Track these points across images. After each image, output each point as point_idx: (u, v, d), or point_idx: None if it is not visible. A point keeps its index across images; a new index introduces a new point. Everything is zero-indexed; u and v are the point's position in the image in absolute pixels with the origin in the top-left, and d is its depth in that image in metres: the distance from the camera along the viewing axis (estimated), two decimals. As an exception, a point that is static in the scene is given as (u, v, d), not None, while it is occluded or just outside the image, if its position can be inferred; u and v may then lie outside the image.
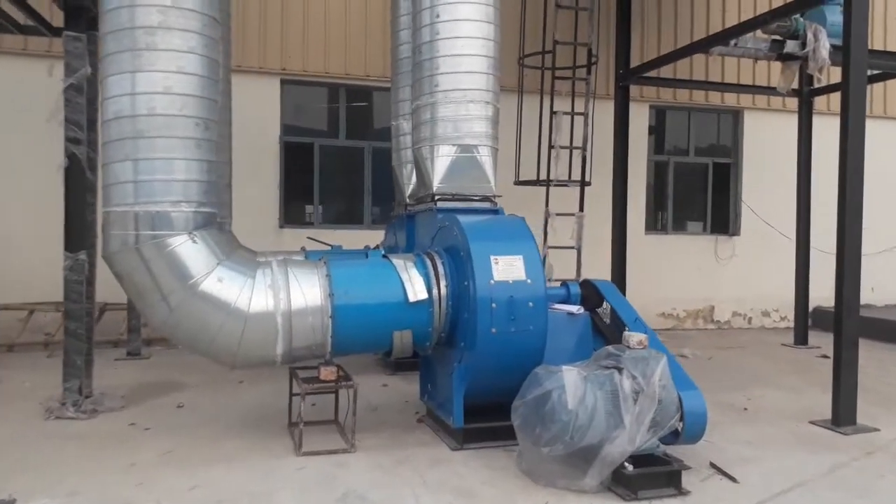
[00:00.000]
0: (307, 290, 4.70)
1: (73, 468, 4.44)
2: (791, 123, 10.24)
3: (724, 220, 11.97)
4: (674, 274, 11.39)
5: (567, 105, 9.44)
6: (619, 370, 4.38)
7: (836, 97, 8.77)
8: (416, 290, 4.87)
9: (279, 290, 4.64)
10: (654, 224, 11.76)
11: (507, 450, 4.87)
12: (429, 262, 5.08)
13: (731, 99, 11.55)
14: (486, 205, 5.70)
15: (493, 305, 4.70)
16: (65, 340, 5.74)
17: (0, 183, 8.81)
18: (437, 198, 5.58)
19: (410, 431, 5.38)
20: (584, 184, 9.46)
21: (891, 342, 10.04)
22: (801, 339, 10.06)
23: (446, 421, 5.11)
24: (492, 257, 4.80)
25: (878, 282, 11.74)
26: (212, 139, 4.69)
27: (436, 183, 5.62)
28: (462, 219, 5.10)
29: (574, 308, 5.46)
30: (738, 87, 10.90)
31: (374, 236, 9.02)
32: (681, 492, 4.27)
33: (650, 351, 4.49)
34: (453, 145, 5.62)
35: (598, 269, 9.50)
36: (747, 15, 10.26)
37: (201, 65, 4.53)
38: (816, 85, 9.54)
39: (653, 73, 9.99)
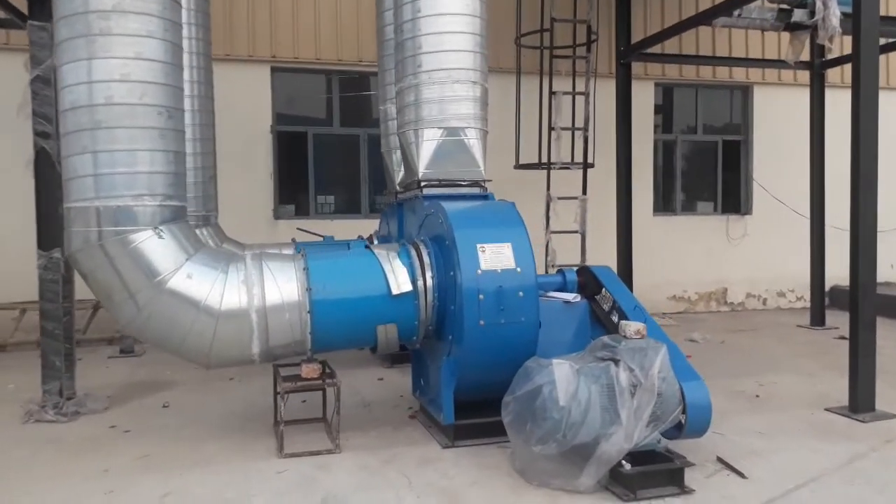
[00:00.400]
0: (283, 285, 4.45)
1: (41, 475, 4.24)
2: (803, 98, 9.83)
3: (735, 200, 11.58)
4: (684, 256, 11.04)
5: (567, 85, 9.11)
6: (616, 362, 4.09)
7: (849, 69, 8.40)
8: (400, 281, 4.60)
9: (253, 286, 4.39)
10: (663, 205, 11.39)
11: (500, 447, 4.61)
12: (413, 252, 4.81)
13: (739, 74, 11.13)
14: (476, 190, 5.40)
15: (481, 296, 4.43)
16: (41, 341, 5.55)
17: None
18: (423, 184, 5.30)
19: (401, 429, 5.14)
20: (586, 166, 9.14)
21: (912, 321, 9.66)
22: (817, 319, 9.69)
23: (437, 417, 4.86)
24: (478, 245, 4.52)
25: (898, 258, 11.33)
26: (177, 129, 4.43)
27: (421, 168, 5.33)
28: (447, 205, 4.81)
29: (570, 296, 5.17)
30: (747, 62, 10.50)
31: (373, 226, 8.75)
32: (684, 490, 3.98)
33: (649, 341, 4.20)
34: (439, 128, 5.32)
35: (605, 253, 9.22)
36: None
37: (162, 50, 4.26)
38: (828, 56, 9.11)
39: (657, 50, 9.62)
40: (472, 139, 5.40)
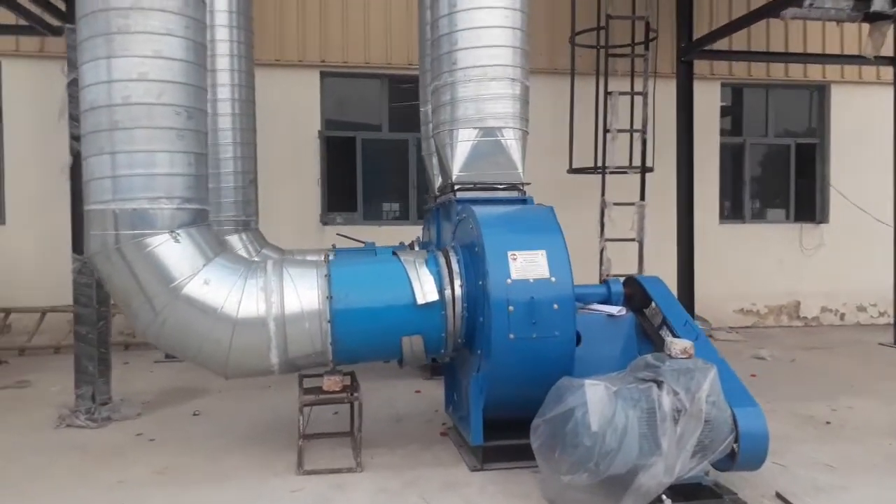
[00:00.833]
0: (303, 293, 4.23)
1: (54, 485, 4.15)
2: (886, 96, 9.04)
3: (809, 207, 10.79)
4: (753, 266, 10.35)
5: (625, 86, 8.66)
6: (659, 384, 3.68)
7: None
8: (426, 290, 4.31)
9: (272, 293, 4.19)
10: (731, 213, 10.72)
11: (534, 472, 4.23)
12: (442, 260, 4.51)
13: (815, 72, 10.37)
14: (513, 194, 5.07)
15: (511, 308, 4.09)
16: (75, 346, 5.53)
17: (15, 185, 8.84)
18: (456, 187, 5.01)
19: (430, 447, 4.84)
20: (644, 170, 8.66)
21: None
22: (902, 337, 8.88)
23: (466, 437, 4.54)
24: (509, 253, 4.19)
25: None
26: (198, 129, 4.29)
27: (455, 171, 5.05)
28: (478, 209, 4.50)
29: (615, 309, 4.76)
30: (823, 58, 9.74)
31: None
32: (732, 531, 3.54)
33: (697, 361, 3.76)
34: (474, 128, 5.02)
35: (665, 263, 8.71)
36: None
37: (182, 48, 4.13)
38: (915, 49, 8.35)
39: (722, 46, 9.06)
40: (510, 139, 5.07)
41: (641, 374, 3.81)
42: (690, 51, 8.35)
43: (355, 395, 4.45)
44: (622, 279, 5.17)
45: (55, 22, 6.93)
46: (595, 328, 4.69)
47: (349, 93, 10.01)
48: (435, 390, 6.42)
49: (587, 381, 3.62)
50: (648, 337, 4.80)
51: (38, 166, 8.61)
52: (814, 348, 8.71)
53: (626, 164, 8.70)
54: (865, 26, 7.61)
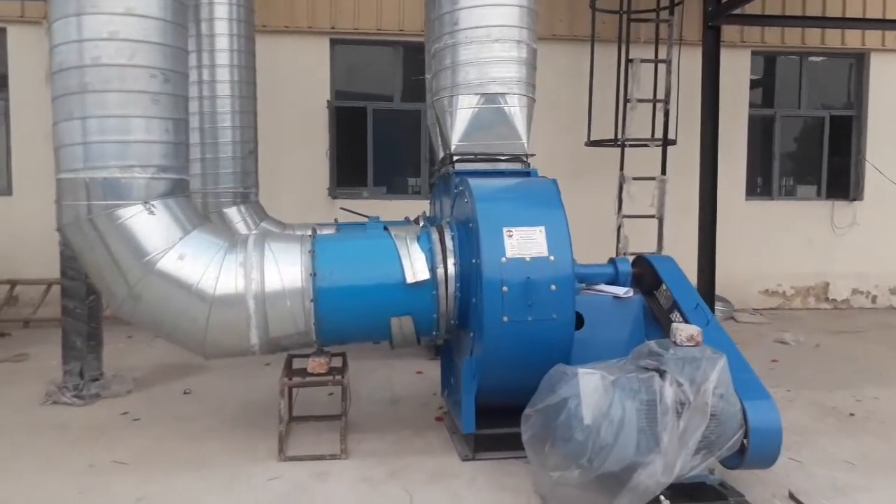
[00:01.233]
0: (285, 270, 3.98)
1: (25, 467, 4.00)
2: (930, 64, 8.46)
3: (843, 183, 10.21)
4: (781, 245, 9.85)
5: (647, 53, 8.21)
6: (661, 374, 3.37)
7: None
8: (416, 269, 4.03)
9: (252, 269, 3.95)
10: (759, 189, 10.22)
11: (527, 463, 3.95)
12: (436, 236, 4.22)
13: (853, 39, 9.73)
14: (516, 166, 4.74)
15: (505, 289, 3.79)
16: (63, 320, 5.37)
17: (21, 155, 8.70)
18: (455, 159, 4.69)
19: (423, 433, 4.60)
20: (666, 143, 8.24)
21: None
22: (937, 323, 8.40)
23: (459, 424, 4.28)
24: (505, 229, 3.88)
25: None
26: (176, 94, 4.03)
27: (454, 140, 4.73)
28: (474, 182, 4.19)
29: (622, 290, 4.43)
30: (863, 23, 9.10)
31: (430, 206, 8.25)
32: (738, 535, 3.24)
33: (704, 349, 3.44)
34: (476, 94, 4.68)
35: (687, 241, 8.32)
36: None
37: (157, 6, 3.84)
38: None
39: (754, 11, 8.52)
40: (514, 107, 4.72)
41: (644, 362, 3.50)
42: (718, 14, 7.83)
43: (340, 377, 4.21)
44: (631, 258, 4.85)
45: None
46: (600, 311, 4.39)
47: (360, 61, 9.68)
48: (437, 371, 6.07)
49: (581, 370, 3.32)
50: (658, 321, 4.49)
51: (45, 136, 8.42)
52: (841, 332, 8.27)
53: (648, 136, 8.28)
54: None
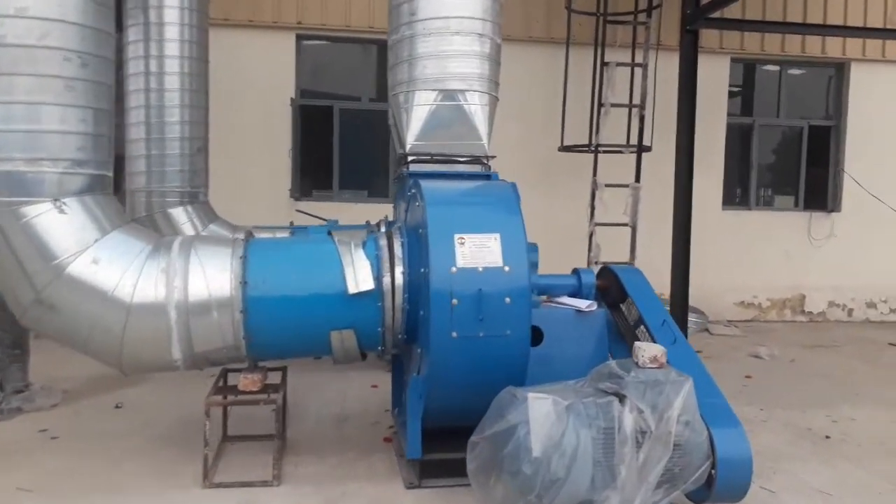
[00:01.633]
0: (212, 277, 3.60)
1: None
2: (910, 75, 8.27)
3: (820, 194, 10.00)
4: (757, 256, 9.61)
5: (625, 57, 7.94)
6: (621, 399, 3.05)
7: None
8: (359, 278, 3.68)
9: (175, 276, 3.57)
10: (735, 198, 9.99)
11: (478, 492, 3.63)
12: (384, 242, 3.87)
13: (834, 48, 9.54)
14: (476, 168, 4.40)
15: (454, 301, 3.45)
16: (-20, 328, 4.95)
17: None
18: (409, 159, 4.35)
19: (368, 455, 4.23)
20: (640, 149, 7.97)
21: None
22: (915, 338, 8.19)
23: (405, 447, 3.93)
24: (456, 236, 3.54)
25: None
26: (97, 81, 3.62)
27: (409, 140, 4.38)
28: (426, 184, 3.85)
29: (584, 304, 4.11)
30: (844, 30, 8.89)
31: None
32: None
33: (669, 372, 3.13)
34: (434, 90, 4.34)
35: (661, 250, 8.06)
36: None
37: (75, -20, 3.47)
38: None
39: (734, 16, 8.29)
40: (475, 105, 4.38)
41: (603, 384, 3.18)
42: (697, 18, 7.56)
43: (275, 396, 3.83)
44: (598, 269, 4.54)
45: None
46: (561, 325, 4.08)
47: (327, 59, 9.32)
48: (394, 385, 5.82)
49: (531, 394, 2.99)
50: (624, 337, 4.18)
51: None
52: (817, 346, 8.03)
53: (623, 142, 8.00)
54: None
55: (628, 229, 7.95)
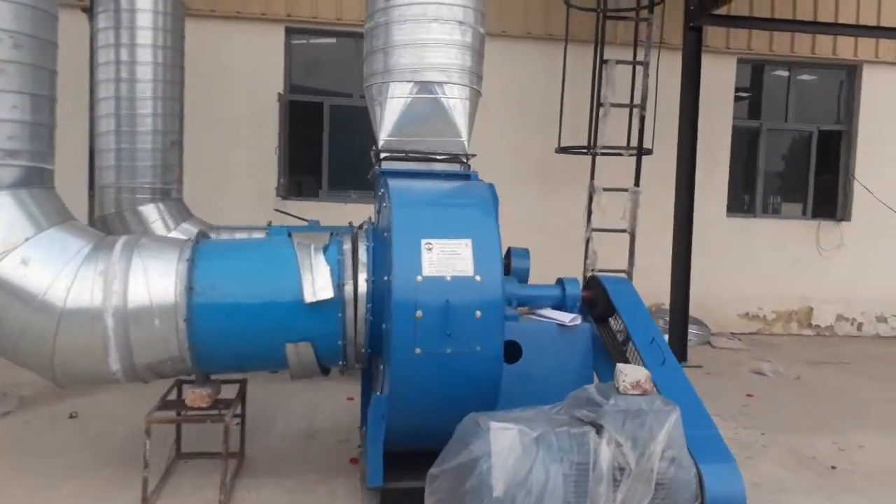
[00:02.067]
0: (154, 281, 3.27)
1: None
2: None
3: (830, 202, 9.62)
4: (762, 266, 9.23)
5: (624, 54, 7.59)
6: (598, 430, 2.70)
7: None
8: (317, 286, 3.34)
9: (113, 280, 3.24)
10: (741, 205, 9.61)
11: (444, 525, 3.28)
12: (347, 247, 3.53)
13: (845, 49, 9.15)
14: (454, 167, 4.06)
15: (419, 313, 3.11)
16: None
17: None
18: (382, 156, 4.01)
19: (331, 479, 3.89)
20: (641, 151, 7.59)
21: None
22: (927, 355, 7.79)
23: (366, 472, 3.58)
24: (423, 241, 3.20)
25: None
26: (35, 64, 3.32)
27: (382, 136, 4.05)
28: (395, 183, 3.52)
29: (567, 317, 3.75)
30: (856, 30, 8.49)
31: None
32: None
33: (654, 400, 2.77)
34: (409, 82, 4.01)
35: (661, 258, 7.72)
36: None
37: (7, -48, 3.15)
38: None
39: (741, 13, 7.94)
40: (454, 98, 4.03)
41: (580, 412, 2.83)
42: (700, 14, 7.21)
43: (225, 412, 3.49)
44: (587, 279, 4.19)
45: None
46: (541, 340, 3.72)
47: (318, 53, 9.00)
48: (371, 397, 5.48)
49: (494, 424, 2.63)
50: (611, 355, 3.82)
51: None
52: (824, 363, 7.64)
53: (622, 144, 7.64)
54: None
55: (627, 236, 7.58)
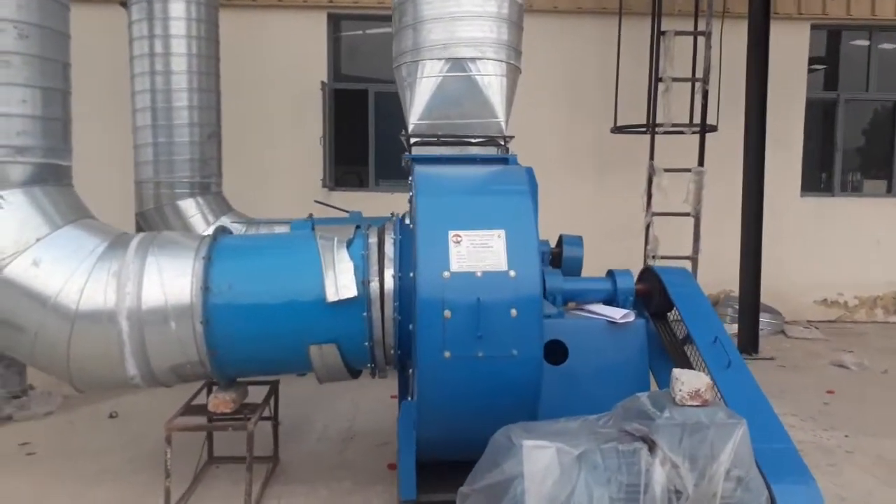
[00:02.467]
0: (169, 282, 3.08)
1: None
2: None
3: (918, 178, 8.83)
4: (842, 249, 8.53)
5: (684, 25, 7.07)
6: (651, 447, 2.35)
7: None
8: (340, 283, 3.08)
9: (127, 281, 3.07)
10: (817, 183, 8.91)
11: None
12: (373, 241, 3.26)
13: (934, 10, 8.33)
14: (491, 151, 3.73)
15: (447, 313, 2.81)
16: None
17: None
18: (412, 141, 3.73)
19: (366, 488, 3.65)
20: (704, 129, 7.07)
21: None
22: None
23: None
24: (451, 233, 2.90)
25: None
26: (43, 56, 3.18)
27: (413, 119, 3.77)
28: (421, 170, 3.22)
29: (619, 313, 3.39)
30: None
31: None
32: None
33: (716, 412, 2.39)
34: (440, 59, 3.70)
35: (729, 242, 7.20)
36: None
37: (9, -62, 3.00)
38: None
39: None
40: (489, 76, 3.71)
41: (630, 425, 2.48)
42: (768, -23, 6.63)
43: (250, 420, 3.29)
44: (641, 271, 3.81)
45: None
46: (589, 339, 3.38)
47: (362, 39, 8.77)
48: (416, 395, 5.23)
49: (527, 442, 2.31)
50: (671, 354, 3.44)
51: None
52: (915, 354, 6.97)
53: (685, 121, 7.13)
54: None
55: (691, 219, 7.09)
